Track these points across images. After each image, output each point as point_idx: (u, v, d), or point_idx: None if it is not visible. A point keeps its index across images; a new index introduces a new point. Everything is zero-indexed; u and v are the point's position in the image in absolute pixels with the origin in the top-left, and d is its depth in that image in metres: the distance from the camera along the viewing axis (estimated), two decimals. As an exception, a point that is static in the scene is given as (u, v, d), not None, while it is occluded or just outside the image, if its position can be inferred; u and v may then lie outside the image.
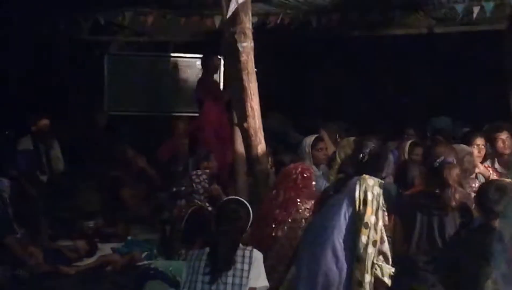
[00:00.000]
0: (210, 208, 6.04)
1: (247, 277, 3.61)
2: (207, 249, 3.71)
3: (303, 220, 4.67)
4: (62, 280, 5.69)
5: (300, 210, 4.67)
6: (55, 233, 6.66)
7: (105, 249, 6.39)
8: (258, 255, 3.70)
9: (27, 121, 7.78)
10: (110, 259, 6.12)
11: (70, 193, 7.46)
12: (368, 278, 3.93)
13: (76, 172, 7.80)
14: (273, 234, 4.62)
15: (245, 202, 3.83)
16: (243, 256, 3.66)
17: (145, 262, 5.75)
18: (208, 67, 7.81)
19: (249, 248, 3.70)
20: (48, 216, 6.73)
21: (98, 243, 6.48)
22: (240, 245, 3.69)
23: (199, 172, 6.26)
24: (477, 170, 5.40)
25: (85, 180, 7.68)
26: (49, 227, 6.67)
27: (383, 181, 4.18)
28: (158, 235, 6.46)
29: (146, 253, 6.08)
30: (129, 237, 6.63)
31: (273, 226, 4.62)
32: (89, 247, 6.35)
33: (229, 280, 3.61)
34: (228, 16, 5.16)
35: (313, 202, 4.62)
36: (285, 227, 4.63)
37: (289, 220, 4.64)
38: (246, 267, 3.63)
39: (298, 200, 4.69)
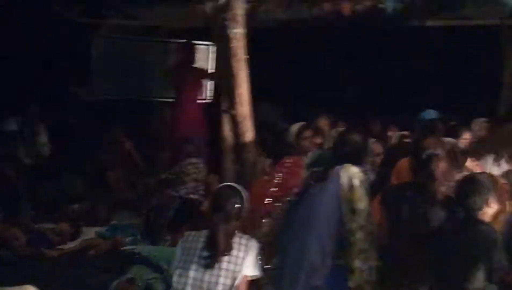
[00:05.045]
0: (198, 197, 6.04)
1: (242, 265, 3.65)
2: (205, 232, 3.72)
3: None
4: (45, 263, 5.67)
5: (294, 192, 4.72)
6: (39, 216, 6.62)
7: (89, 232, 6.36)
8: (254, 244, 3.74)
9: (14, 103, 7.73)
10: (94, 243, 6.09)
11: (55, 176, 7.43)
12: (358, 263, 3.96)
13: (62, 155, 7.76)
14: (268, 208, 4.67)
15: (240, 188, 3.84)
16: (240, 244, 3.69)
17: (129, 247, 5.73)
18: (183, 54, 7.73)
19: (246, 236, 3.75)
20: (31, 199, 6.69)
21: (82, 227, 6.45)
22: (237, 232, 3.72)
23: (198, 160, 6.23)
24: (463, 164, 5.40)
25: (70, 163, 7.65)
26: (33, 209, 6.63)
27: (366, 169, 4.21)
28: (143, 220, 6.44)
29: (130, 238, 6.06)
30: (113, 222, 6.61)
31: (268, 202, 4.68)
32: (73, 231, 6.32)
33: (224, 265, 3.64)
34: (220, 2, 5.14)
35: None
36: (279, 205, 4.69)
37: (283, 199, 4.70)
38: (241, 254, 3.66)
39: (294, 182, 4.77)
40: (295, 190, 4.76)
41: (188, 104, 7.54)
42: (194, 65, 7.82)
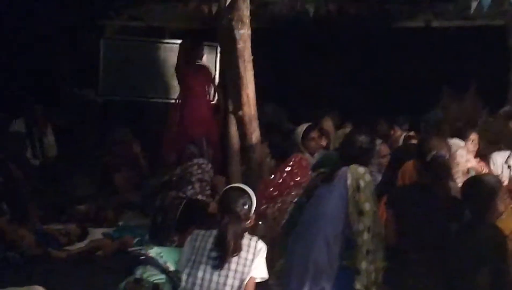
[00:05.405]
0: (204, 198, 6.05)
1: (250, 266, 3.67)
2: (214, 232, 3.74)
3: (291, 204, 4.75)
4: (53, 263, 5.68)
5: (292, 193, 4.74)
6: (46, 217, 6.64)
7: (96, 233, 6.38)
8: (263, 246, 3.76)
9: (21, 104, 7.77)
10: (101, 244, 6.11)
11: (62, 177, 7.45)
12: (365, 265, 3.96)
13: (69, 157, 7.79)
14: (262, 210, 4.69)
15: (249, 189, 3.85)
16: (249, 246, 3.71)
17: (136, 248, 5.74)
18: (192, 52, 7.66)
19: (255, 238, 3.77)
20: (38, 200, 6.72)
21: (89, 228, 6.47)
22: (246, 234, 3.73)
23: (204, 160, 6.24)
24: (469, 165, 5.42)
25: (78, 164, 7.68)
26: (40, 211, 6.65)
27: (372, 170, 4.22)
28: (150, 221, 6.46)
29: (137, 239, 6.08)
30: (120, 223, 6.63)
31: (264, 202, 4.71)
32: (80, 232, 6.34)
33: (233, 266, 3.66)
34: (227, 3, 5.14)
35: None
36: (275, 206, 4.71)
37: (280, 200, 4.72)
38: (250, 256, 3.68)
39: (292, 183, 4.79)
40: (294, 189, 4.80)
41: (198, 104, 7.48)
42: (202, 64, 7.76)
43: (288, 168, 4.98)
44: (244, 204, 3.76)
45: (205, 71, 7.74)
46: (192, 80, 7.47)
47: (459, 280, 3.87)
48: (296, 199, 4.81)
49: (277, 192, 4.88)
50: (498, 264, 3.79)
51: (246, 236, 3.73)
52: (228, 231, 3.66)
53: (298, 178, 4.94)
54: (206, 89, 7.63)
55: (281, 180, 4.96)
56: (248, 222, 3.78)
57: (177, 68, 7.62)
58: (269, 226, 4.73)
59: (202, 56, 7.69)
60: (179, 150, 7.01)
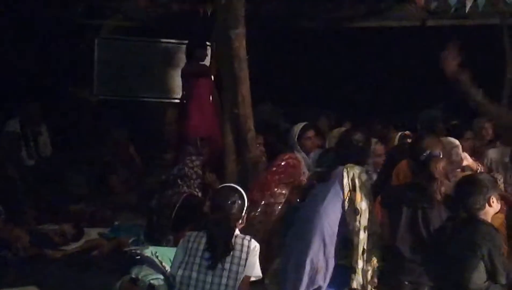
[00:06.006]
0: (200, 195, 6.05)
1: (244, 266, 3.67)
2: (206, 233, 3.74)
3: (277, 205, 4.73)
4: (48, 264, 5.67)
5: (275, 194, 4.73)
6: (42, 216, 6.63)
7: (92, 233, 6.37)
8: (256, 245, 3.76)
9: (16, 104, 7.75)
10: (97, 244, 6.09)
11: (57, 177, 7.44)
12: (361, 264, 3.97)
13: (64, 156, 7.78)
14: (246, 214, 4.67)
15: (240, 189, 3.86)
16: (242, 245, 3.71)
17: (132, 248, 5.73)
18: (193, 56, 7.61)
19: (248, 237, 3.77)
20: (33, 200, 6.70)
21: (84, 228, 6.46)
22: (239, 233, 3.73)
23: (193, 157, 6.24)
24: (465, 163, 5.42)
25: (73, 164, 7.67)
26: (35, 210, 6.64)
27: (368, 169, 4.23)
28: (145, 221, 6.44)
29: (133, 238, 6.06)
30: (116, 222, 6.61)
31: (249, 204, 4.68)
32: (75, 231, 6.32)
33: (227, 266, 3.66)
34: (222, 2, 5.15)
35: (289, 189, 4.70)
36: (258, 209, 4.69)
37: (263, 203, 4.70)
38: (244, 255, 3.68)
39: (274, 184, 4.78)
40: (278, 189, 4.78)
41: (201, 104, 7.45)
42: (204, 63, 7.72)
43: (274, 168, 4.94)
44: (235, 204, 3.76)
45: (207, 71, 7.72)
46: (194, 79, 7.47)
47: (454, 278, 3.87)
48: (285, 200, 4.79)
49: (259, 194, 4.84)
50: (493, 261, 3.80)
51: (239, 235, 3.73)
52: (219, 230, 3.66)
53: (282, 176, 4.89)
54: (208, 89, 7.62)
55: (265, 179, 4.93)
56: (240, 222, 3.78)
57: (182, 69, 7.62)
58: (255, 230, 4.70)
59: (206, 56, 7.68)
60: (177, 149, 7.00)
